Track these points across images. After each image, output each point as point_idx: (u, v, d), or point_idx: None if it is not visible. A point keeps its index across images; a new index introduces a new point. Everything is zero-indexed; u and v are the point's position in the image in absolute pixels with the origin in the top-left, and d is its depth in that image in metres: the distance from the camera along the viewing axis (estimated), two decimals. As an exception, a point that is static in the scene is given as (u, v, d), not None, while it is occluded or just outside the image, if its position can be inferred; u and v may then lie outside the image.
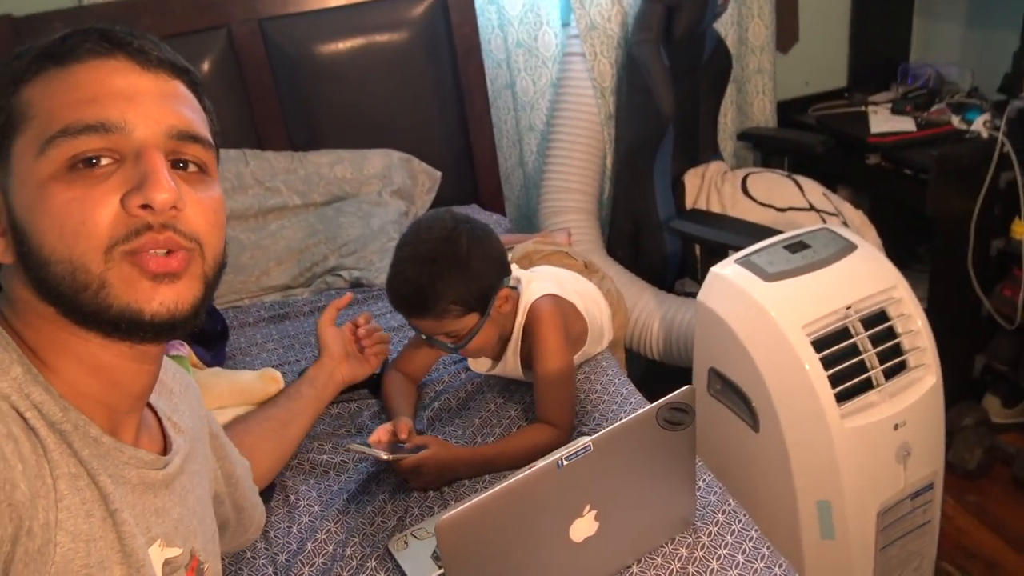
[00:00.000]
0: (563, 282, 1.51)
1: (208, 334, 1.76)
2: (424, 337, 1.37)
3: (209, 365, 1.66)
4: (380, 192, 2.30)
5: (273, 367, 1.72)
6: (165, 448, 0.80)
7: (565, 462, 0.92)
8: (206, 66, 2.27)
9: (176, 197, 0.65)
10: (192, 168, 0.70)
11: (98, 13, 2.15)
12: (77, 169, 0.64)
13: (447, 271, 1.28)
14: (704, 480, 1.20)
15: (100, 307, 0.64)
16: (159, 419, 0.82)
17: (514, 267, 1.47)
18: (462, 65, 2.42)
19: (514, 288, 1.41)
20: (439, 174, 2.48)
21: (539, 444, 1.29)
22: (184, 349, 1.45)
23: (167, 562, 0.75)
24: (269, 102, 2.34)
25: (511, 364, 1.45)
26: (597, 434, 0.96)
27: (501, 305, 1.36)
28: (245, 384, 1.43)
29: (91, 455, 0.67)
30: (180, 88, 0.71)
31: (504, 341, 1.44)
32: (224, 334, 1.83)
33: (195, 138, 0.70)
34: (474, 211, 2.47)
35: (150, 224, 0.65)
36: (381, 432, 1.30)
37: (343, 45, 2.33)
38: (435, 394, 1.55)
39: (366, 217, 2.20)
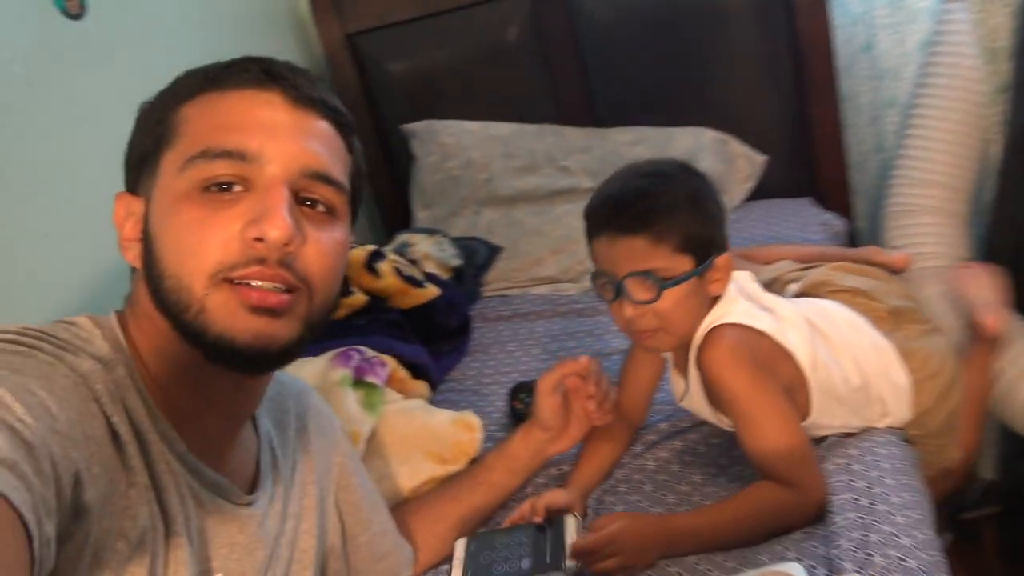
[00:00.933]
0: (812, 322, 1.11)
1: (439, 330, 1.63)
2: (613, 284, 1.03)
3: (432, 371, 1.51)
4: (680, 178, 1.96)
5: (503, 374, 1.54)
6: (253, 486, 0.79)
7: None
8: (510, 35, 2.13)
9: (291, 235, 0.65)
10: (320, 208, 0.71)
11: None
12: (209, 191, 0.66)
13: (681, 191, 1.03)
14: None
15: (198, 330, 0.65)
16: (259, 456, 0.81)
17: (743, 278, 1.11)
18: (803, 22, 1.96)
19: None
20: (763, 159, 2.07)
21: (769, 502, 0.98)
22: (383, 372, 1.30)
23: None
24: (572, 74, 2.13)
25: (695, 392, 1.10)
26: None
27: (714, 273, 1.05)
28: (434, 428, 1.25)
29: (167, 471, 0.67)
30: (324, 127, 0.72)
31: (686, 347, 1.09)
32: (463, 330, 1.69)
33: (327, 179, 0.70)
34: (805, 207, 2.01)
35: (263, 258, 0.65)
36: (516, 514, 1.04)
37: (655, 8, 2.02)
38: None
39: (655, 207, 1.89)
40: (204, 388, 0.71)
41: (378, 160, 2.29)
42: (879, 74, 2.01)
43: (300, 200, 0.70)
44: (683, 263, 1.02)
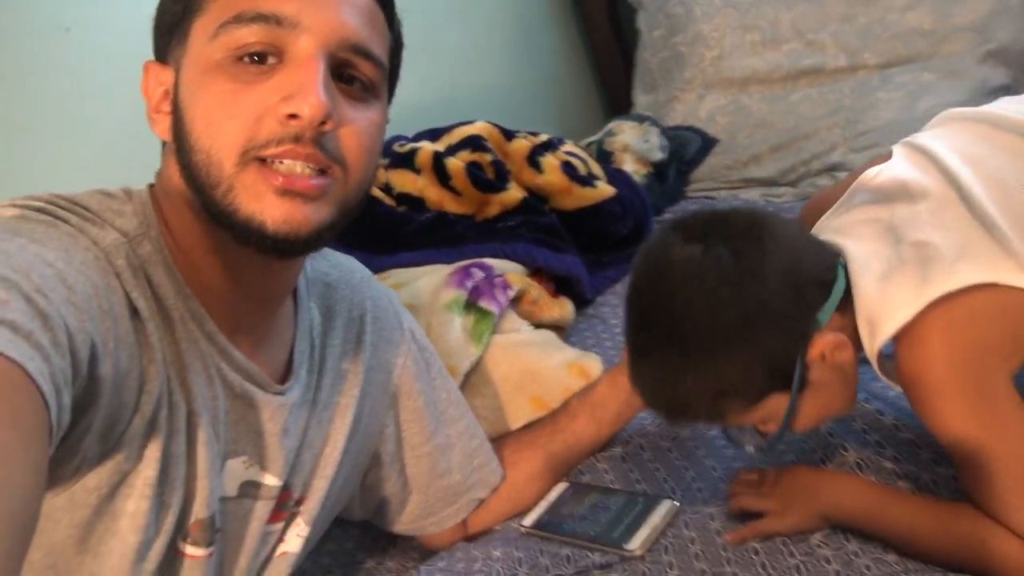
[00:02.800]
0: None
1: (608, 236, 1.42)
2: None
3: (585, 286, 1.34)
4: (965, 54, 1.49)
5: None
6: (287, 373, 0.76)
7: None
8: None
9: (328, 112, 0.61)
10: (357, 85, 0.67)
11: None
12: (242, 62, 0.63)
13: (701, 356, 0.76)
14: None
15: (227, 209, 0.63)
16: (295, 343, 0.77)
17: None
18: None
19: (843, 314, 0.77)
20: (1102, 25, 1.49)
21: (982, 543, 0.72)
22: (504, 296, 1.14)
23: (251, 484, 0.74)
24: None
25: None
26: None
27: (825, 361, 0.77)
28: (544, 370, 1.08)
29: (192, 348, 0.66)
30: (364, 1, 0.67)
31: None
32: (639, 236, 1.46)
33: (367, 53, 0.66)
34: None
35: (298, 136, 0.62)
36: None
37: None
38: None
39: (917, 93, 1.46)
40: (233, 268, 0.68)
41: (606, 36, 2.06)
42: None
43: (337, 75, 0.65)
44: (774, 404, 0.77)
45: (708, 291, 0.75)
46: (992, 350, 0.72)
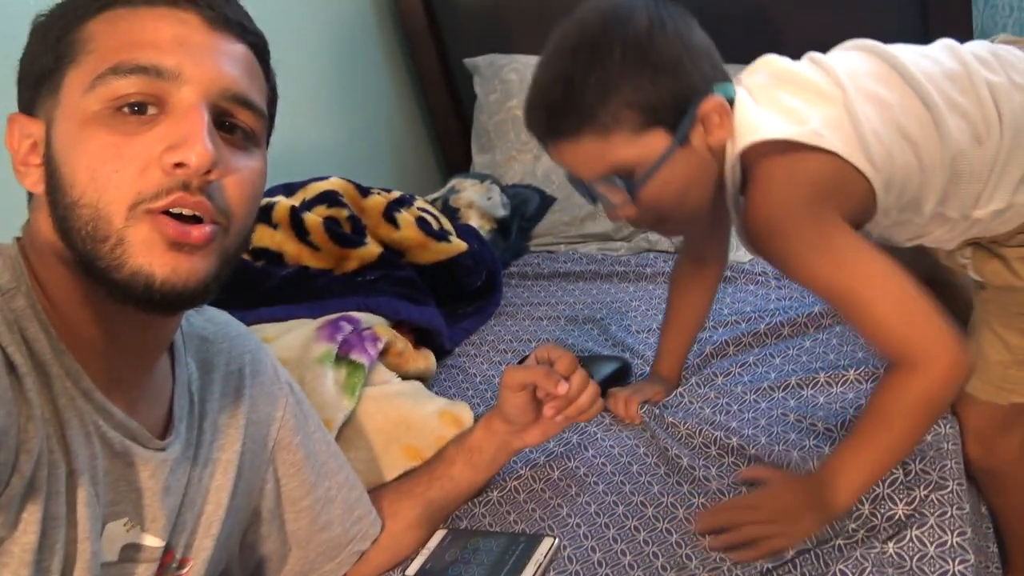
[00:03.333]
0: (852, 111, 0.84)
1: (462, 289, 1.48)
2: (586, 190, 0.91)
3: (444, 338, 1.38)
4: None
5: (523, 341, 1.38)
6: (166, 430, 0.75)
7: None
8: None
9: (214, 160, 0.62)
10: (239, 134, 0.68)
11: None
12: (121, 113, 0.62)
13: (614, 53, 0.82)
14: None
15: (113, 264, 0.62)
16: (174, 398, 0.76)
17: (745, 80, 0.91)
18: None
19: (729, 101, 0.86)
20: None
21: (904, 397, 0.80)
22: (373, 349, 1.16)
23: (132, 546, 0.71)
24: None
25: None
26: None
27: (709, 125, 0.84)
28: (417, 419, 1.11)
29: (69, 406, 0.64)
30: (242, 50, 0.69)
31: (719, 211, 0.90)
32: (491, 289, 1.53)
33: (248, 103, 0.67)
34: None
35: (185, 183, 0.62)
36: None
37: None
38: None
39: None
40: (108, 322, 0.67)
41: (442, 98, 2.14)
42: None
43: (219, 124, 0.66)
44: (653, 140, 0.83)
45: (605, 40, 0.82)
46: (828, 199, 0.81)
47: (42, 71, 0.65)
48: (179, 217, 0.62)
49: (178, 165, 0.61)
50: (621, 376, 1.22)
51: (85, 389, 0.65)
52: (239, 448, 0.82)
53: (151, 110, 0.62)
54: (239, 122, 0.67)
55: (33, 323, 0.63)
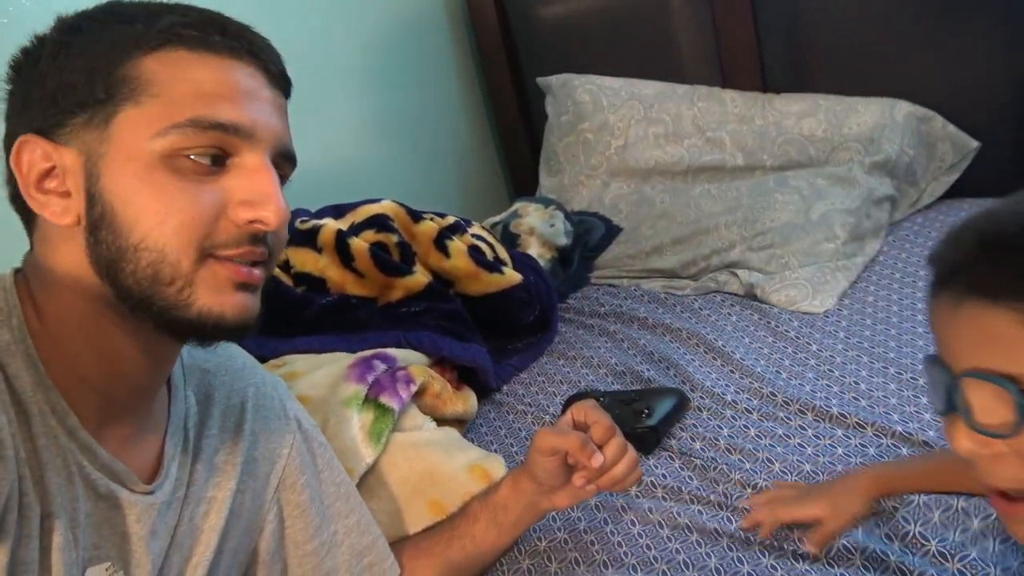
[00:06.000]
0: None
1: (508, 323, 1.40)
2: (944, 383, 0.56)
3: (490, 376, 1.30)
4: (854, 163, 1.56)
5: (573, 384, 1.29)
6: (157, 469, 0.73)
7: None
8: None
9: (287, 219, 0.66)
10: (281, 181, 0.70)
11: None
12: (190, 160, 0.63)
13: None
14: None
15: (179, 305, 0.63)
16: (167, 436, 0.74)
17: None
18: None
19: None
20: (974, 144, 1.61)
21: None
22: (405, 392, 1.08)
23: None
24: (742, 24, 1.76)
25: None
26: None
27: None
28: (444, 473, 1.03)
29: (51, 445, 0.62)
30: (285, 103, 0.72)
31: None
32: (544, 324, 1.45)
33: (292, 157, 0.71)
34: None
35: (256, 237, 0.65)
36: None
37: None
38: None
39: (811, 199, 1.52)
40: (113, 357, 0.66)
41: (513, 117, 2.07)
42: None
43: None
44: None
45: None
46: None
47: (83, 100, 0.63)
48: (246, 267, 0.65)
49: (253, 222, 0.64)
50: (679, 412, 1.14)
51: (70, 427, 0.63)
52: (234, 486, 0.79)
53: (225, 160, 0.65)
54: (283, 173, 0.70)
55: (16, 358, 0.62)
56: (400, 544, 0.96)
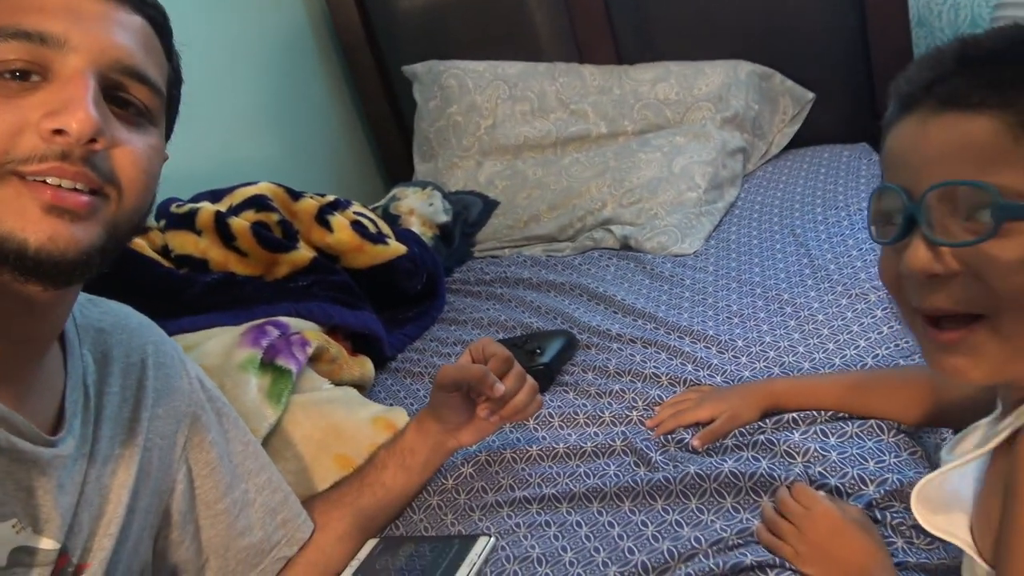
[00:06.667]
0: None
1: (402, 293, 1.42)
2: (904, 205, 0.55)
3: (384, 344, 1.32)
4: (707, 120, 1.68)
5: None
6: (58, 425, 0.70)
7: None
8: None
9: (97, 128, 0.59)
10: (132, 110, 0.64)
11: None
12: (2, 79, 0.58)
13: None
14: None
15: None
16: (66, 392, 0.71)
17: None
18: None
19: None
20: (810, 96, 1.76)
21: None
22: (302, 354, 1.10)
23: (23, 550, 0.65)
24: (593, 5, 1.86)
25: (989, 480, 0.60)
26: None
27: None
28: (349, 427, 1.05)
29: None
30: (140, 23, 0.66)
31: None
32: (432, 293, 1.48)
33: (142, 78, 0.64)
34: (862, 155, 1.69)
35: (64, 153, 0.58)
36: None
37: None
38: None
39: (672, 155, 1.62)
40: None
41: (382, 108, 2.10)
42: (959, -13, 1.65)
43: (110, 98, 0.62)
44: None
45: None
46: None
47: None
48: (58, 188, 0.58)
49: (57, 132, 0.57)
50: (569, 350, 1.19)
51: None
52: (142, 443, 0.77)
53: (34, 78, 0.59)
54: (132, 97, 0.63)
55: None
56: (311, 500, 0.96)
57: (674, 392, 1.05)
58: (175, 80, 0.71)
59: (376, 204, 1.75)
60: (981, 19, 1.62)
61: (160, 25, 0.68)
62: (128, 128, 0.63)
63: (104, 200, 0.61)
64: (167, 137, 0.71)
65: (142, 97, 0.64)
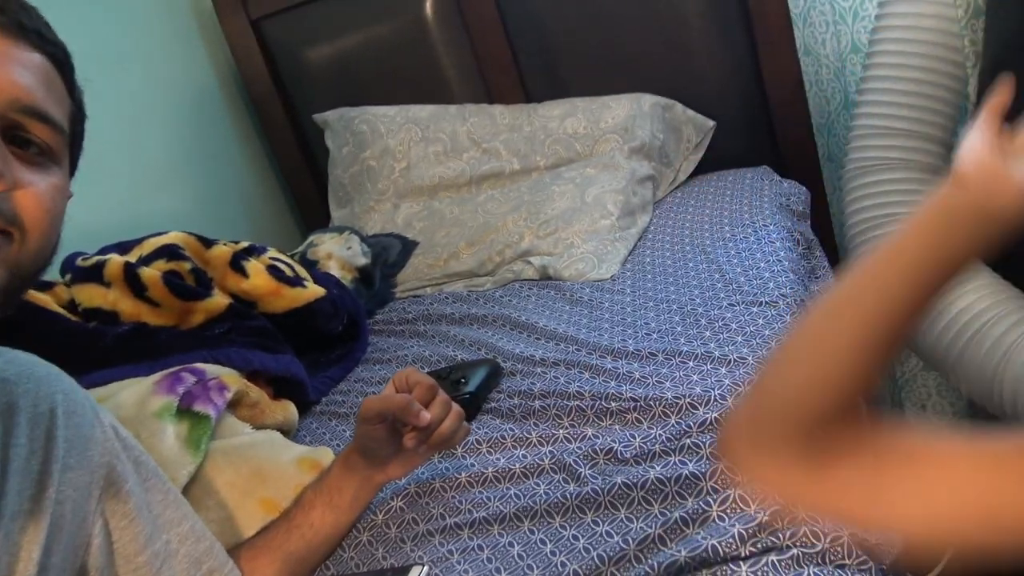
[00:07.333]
0: None
1: (318, 337, 1.41)
2: None
3: (307, 387, 1.30)
4: (615, 152, 1.73)
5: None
6: None
7: None
8: (427, 8, 1.92)
9: None
10: (34, 150, 0.63)
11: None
12: None
13: None
14: None
15: None
16: None
17: None
18: (749, -34, 1.72)
19: None
20: (711, 124, 1.83)
21: None
22: (221, 399, 1.07)
23: None
24: (497, 45, 1.91)
25: None
26: None
27: None
28: (273, 469, 1.02)
29: None
30: (40, 61, 0.64)
31: None
32: (354, 334, 1.47)
33: (43, 117, 0.63)
34: (763, 176, 1.76)
35: None
36: None
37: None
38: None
39: (584, 186, 1.66)
40: None
41: (295, 157, 2.09)
42: (840, 17, 1.76)
43: (10, 138, 0.61)
44: None
45: None
46: None
47: None
48: None
49: None
50: (494, 378, 1.20)
51: None
52: (53, 496, 0.73)
53: None
54: (33, 136, 0.63)
55: None
56: (237, 548, 0.93)
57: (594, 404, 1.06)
58: (78, 116, 0.70)
59: (294, 252, 1.74)
60: (861, 43, 1.73)
61: (61, 62, 0.67)
62: (30, 169, 0.62)
63: (7, 240, 0.60)
64: (71, 174, 0.70)
65: (44, 136, 0.63)
